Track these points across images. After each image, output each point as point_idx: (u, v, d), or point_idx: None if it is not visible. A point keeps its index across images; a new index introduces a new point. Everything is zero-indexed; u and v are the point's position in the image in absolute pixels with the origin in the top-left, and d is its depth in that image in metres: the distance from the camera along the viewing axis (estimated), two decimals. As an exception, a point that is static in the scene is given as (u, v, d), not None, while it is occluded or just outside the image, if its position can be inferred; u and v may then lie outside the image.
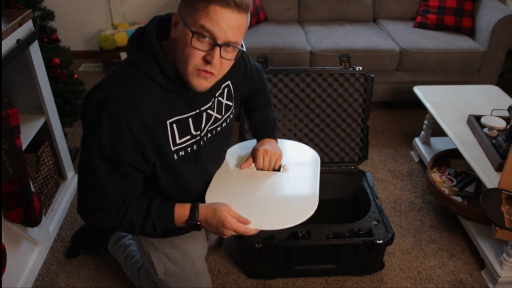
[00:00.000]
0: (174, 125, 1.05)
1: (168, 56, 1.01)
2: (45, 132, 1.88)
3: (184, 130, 1.07)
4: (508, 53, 2.85)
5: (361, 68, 1.82)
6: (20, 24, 1.56)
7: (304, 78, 1.81)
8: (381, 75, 2.67)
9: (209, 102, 1.12)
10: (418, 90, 2.25)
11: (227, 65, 1.00)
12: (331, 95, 1.84)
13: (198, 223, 1.08)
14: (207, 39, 0.93)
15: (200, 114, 1.10)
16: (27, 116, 1.80)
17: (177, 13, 0.97)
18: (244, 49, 1.02)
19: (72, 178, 2.11)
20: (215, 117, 1.17)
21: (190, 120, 1.08)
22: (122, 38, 3.19)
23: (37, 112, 1.83)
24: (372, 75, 1.82)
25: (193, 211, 1.09)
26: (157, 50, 0.98)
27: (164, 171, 1.08)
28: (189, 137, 1.09)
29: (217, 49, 0.94)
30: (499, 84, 2.52)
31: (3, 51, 1.45)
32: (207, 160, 1.19)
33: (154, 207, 1.08)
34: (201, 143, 1.14)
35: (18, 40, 1.55)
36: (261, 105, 1.43)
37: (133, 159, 1.01)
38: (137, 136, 0.98)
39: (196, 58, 0.94)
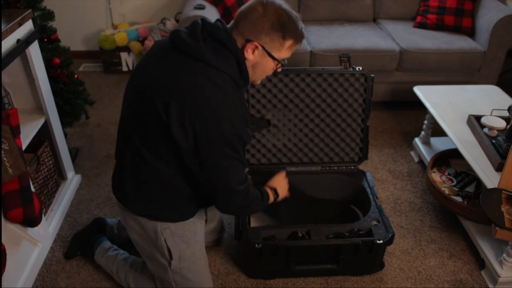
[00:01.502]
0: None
1: None
2: (45, 132, 1.89)
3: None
4: (508, 53, 2.85)
5: (361, 68, 1.82)
6: (20, 24, 1.56)
7: (304, 78, 1.81)
8: (381, 75, 2.67)
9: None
10: (418, 90, 2.25)
11: None
12: (331, 95, 1.84)
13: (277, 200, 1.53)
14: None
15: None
16: (27, 116, 1.80)
17: (258, 44, 1.18)
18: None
19: (72, 178, 2.11)
20: None
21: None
22: (122, 38, 3.19)
23: (37, 112, 1.83)
24: (372, 75, 1.82)
25: (275, 196, 1.52)
26: (242, 60, 1.20)
27: None
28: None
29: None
30: (499, 84, 2.52)
31: (3, 51, 1.45)
32: None
33: (263, 192, 1.45)
34: None
35: (18, 40, 1.55)
36: None
37: (250, 133, 1.25)
38: (247, 116, 1.23)
39: (271, 72, 1.29)
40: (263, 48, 1.19)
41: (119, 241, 1.76)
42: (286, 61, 1.28)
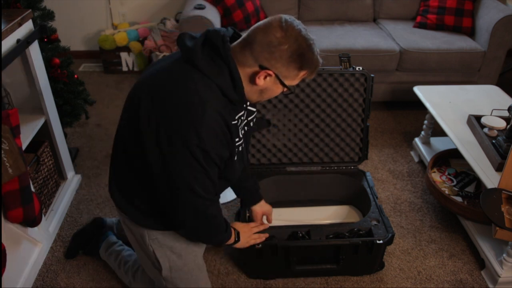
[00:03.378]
0: (233, 128, 1.17)
1: None
2: (45, 132, 1.88)
3: (236, 132, 1.20)
4: (508, 53, 2.85)
5: (361, 68, 1.82)
6: (20, 24, 1.56)
7: (304, 78, 1.81)
8: (381, 75, 2.67)
9: (245, 108, 1.27)
10: (418, 90, 2.25)
11: None
12: (331, 95, 1.84)
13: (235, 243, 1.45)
14: None
15: (240, 118, 1.23)
16: (27, 116, 1.80)
17: (272, 72, 1.10)
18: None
19: (72, 178, 2.11)
20: (244, 121, 1.30)
21: (239, 123, 1.21)
22: (122, 38, 3.19)
23: (37, 112, 1.83)
24: (372, 75, 1.82)
25: (236, 240, 1.44)
26: (235, 72, 1.10)
27: (227, 163, 1.23)
28: (238, 139, 1.23)
29: None
30: (499, 84, 2.52)
31: (3, 51, 1.45)
32: (242, 156, 1.34)
33: (228, 226, 1.36)
34: (242, 145, 1.28)
35: (18, 40, 1.55)
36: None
37: (226, 154, 1.17)
38: (225, 135, 1.13)
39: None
40: (277, 76, 1.12)
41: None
42: (295, 87, 1.25)
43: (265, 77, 1.12)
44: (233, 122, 1.16)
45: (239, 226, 1.50)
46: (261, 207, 1.59)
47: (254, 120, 1.39)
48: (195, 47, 1.10)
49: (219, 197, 1.31)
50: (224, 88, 1.11)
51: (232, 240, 1.41)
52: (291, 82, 1.15)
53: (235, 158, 1.24)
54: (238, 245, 1.46)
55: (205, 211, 1.20)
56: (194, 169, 1.11)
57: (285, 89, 1.18)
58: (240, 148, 1.27)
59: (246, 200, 1.61)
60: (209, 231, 1.29)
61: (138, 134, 1.13)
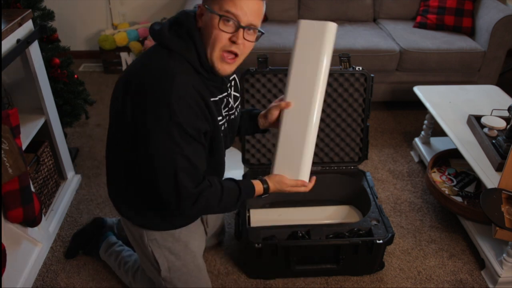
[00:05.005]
0: (213, 105, 1.14)
1: None
2: (45, 132, 1.88)
3: (218, 110, 1.17)
4: (508, 53, 2.85)
5: (361, 68, 1.82)
6: (20, 24, 1.56)
7: (304, 78, 1.81)
8: (381, 75, 2.67)
9: (228, 90, 1.24)
10: (418, 90, 2.25)
11: (249, 47, 1.13)
12: (331, 95, 1.84)
13: (268, 194, 1.29)
14: (231, 22, 1.06)
15: (225, 99, 1.21)
16: (27, 116, 1.80)
17: (201, 5, 1.08)
18: (264, 31, 1.14)
19: (72, 178, 2.11)
20: (231, 105, 1.26)
21: (219, 103, 1.18)
22: (122, 38, 3.19)
23: (37, 112, 1.83)
24: (372, 75, 1.82)
25: (266, 188, 1.27)
26: (197, 38, 1.09)
27: (212, 140, 1.19)
28: (221, 117, 1.19)
29: (241, 30, 1.07)
30: (499, 84, 2.52)
31: (3, 51, 1.45)
32: (226, 140, 1.28)
33: (243, 184, 1.24)
34: (225, 124, 1.23)
35: (18, 40, 1.55)
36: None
37: (206, 127, 1.12)
38: (201, 107, 1.09)
39: (223, 39, 1.07)
40: (205, 6, 1.07)
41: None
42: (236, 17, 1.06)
43: (200, 15, 1.10)
44: (212, 99, 1.13)
45: (273, 178, 1.29)
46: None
47: (239, 107, 1.36)
48: (162, 28, 1.11)
49: (207, 183, 1.17)
50: (193, 62, 1.09)
51: (259, 191, 1.26)
52: (224, 5, 1.04)
53: (221, 134, 1.20)
54: (272, 191, 1.29)
55: (195, 204, 1.14)
56: (172, 151, 1.07)
57: (221, 21, 1.05)
58: (222, 128, 1.22)
59: (251, 128, 1.46)
60: (217, 208, 1.20)
61: (121, 122, 1.13)
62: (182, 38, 1.09)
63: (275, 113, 1.30)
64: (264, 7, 1.13)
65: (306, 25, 1.21)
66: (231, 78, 1.30)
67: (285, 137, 1.26)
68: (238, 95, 1.34)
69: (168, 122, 1.04)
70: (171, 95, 1.03)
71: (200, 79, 1.11)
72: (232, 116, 1.29)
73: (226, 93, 1.22)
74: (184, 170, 1.09)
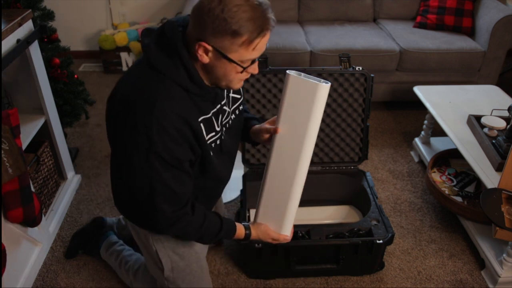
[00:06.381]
0: (202, 124, 1.10)
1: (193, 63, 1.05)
2: (45, 132, 1.88)
3: (209, 127, 1.13)
4: (508, 53, 2.85)
5: (361, 68, 1.82)
6: (20, 24, 1.56)
7: (304, 78, 1.81)
8: (381, 75, 2.67)
9: (224, 98, 1.19)
10: (418, 90, 2.25)
11: None
12: (331, 95, 1.84)
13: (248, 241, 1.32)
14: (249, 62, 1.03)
15: (220, 110, 1.16)
16: (27, 116, 1.80)
17: (206, 44, 0.97)
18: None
19: (72, 178, 2.11)
20: (228, 111, 1.22)
21: (213, 117, 1.14)
22: (122, 38, 3.19)
23: (37, 112, 1.83)
24: (372, 75, 1.82)
25: (247, 235, 1.29)
26: (186, 58, 1.02)
27: (201, 161, 1.16)
28: (213, 133, 1.15)
29: (256, 62, 1.06)
30: (499, 84, 2.52)
31: (3, 51, 1.45)
32: (226, 152, 1.26)
33: (226, 223, 1.25)
34: (222, 138, 1.21)
35: (18, 40, 1.55)
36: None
37: (189, 155, 1.08)
38: (186, 136, 1.05)
39: (242, 76, 1.06)
40: (216, 50, 0.98)
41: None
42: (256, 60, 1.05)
43: (206, 52, 1.00)
44: (203, 117, 1.09)
45: (256, 227, 1.31)
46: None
47: (241, 107, 1.31)
48: (149, 44, 1.04)
49: (189, 210, 1.16)
50: (181, 81, 1.03)
51: (239, 236, 1.28)
52: (248, 55, 1.00)
53: (211, 154, 1.17)
54: (255, 237, 1.30)
55: (176, 226, 1.14)
56: (151, 178, 1.05)
57: (243, 72, 1.03)
58: (218, 142, 1.19)
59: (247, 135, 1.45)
60: (191, 237, 1.23)
61: (109, 137, 1.14)
62: (168, 57, 1.02)
63: (265, 136, 1.29)
64: None
65: (295, 82, 1.12)
66: None
67: (270, 189, 1.26)
68: (238, 96, 1.29)
69: (147, 151, 1.01)
70: (151, 126, 0.99)
71: (189, 98, 1.06)
72: (230, 123, 1.26)
73: (223, 102, 1.17)
74: (162, 195, 1.08)
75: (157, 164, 1.03)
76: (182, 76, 1.03)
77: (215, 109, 1.14)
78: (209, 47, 0.98)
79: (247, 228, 1.29)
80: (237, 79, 1.06)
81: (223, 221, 1.24)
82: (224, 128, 1.22)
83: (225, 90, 1.20)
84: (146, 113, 1.00)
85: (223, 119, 1.21)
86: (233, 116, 1.27)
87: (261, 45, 1.00)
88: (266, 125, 1.29)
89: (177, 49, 1.01)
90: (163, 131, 1.00)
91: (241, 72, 1.04)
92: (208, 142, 1.14)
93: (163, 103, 1.00)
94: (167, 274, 1.36)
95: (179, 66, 1.02)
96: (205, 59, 1.01)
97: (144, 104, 1.01)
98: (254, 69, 1.06)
